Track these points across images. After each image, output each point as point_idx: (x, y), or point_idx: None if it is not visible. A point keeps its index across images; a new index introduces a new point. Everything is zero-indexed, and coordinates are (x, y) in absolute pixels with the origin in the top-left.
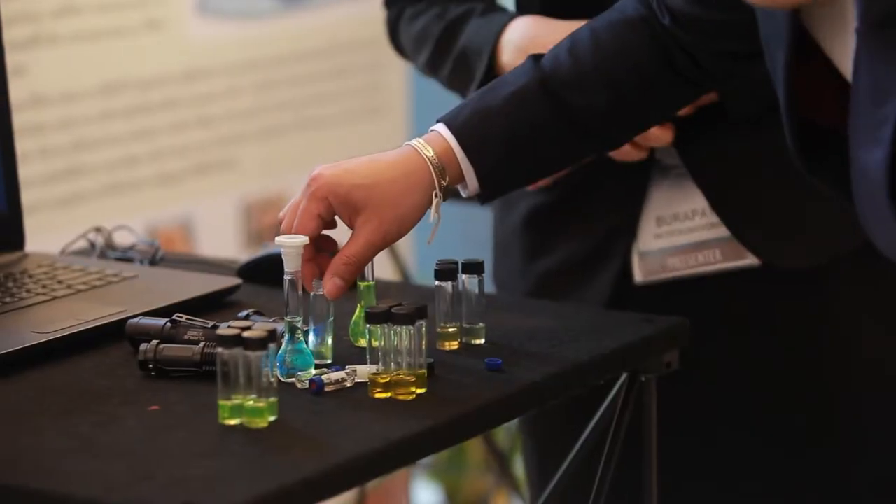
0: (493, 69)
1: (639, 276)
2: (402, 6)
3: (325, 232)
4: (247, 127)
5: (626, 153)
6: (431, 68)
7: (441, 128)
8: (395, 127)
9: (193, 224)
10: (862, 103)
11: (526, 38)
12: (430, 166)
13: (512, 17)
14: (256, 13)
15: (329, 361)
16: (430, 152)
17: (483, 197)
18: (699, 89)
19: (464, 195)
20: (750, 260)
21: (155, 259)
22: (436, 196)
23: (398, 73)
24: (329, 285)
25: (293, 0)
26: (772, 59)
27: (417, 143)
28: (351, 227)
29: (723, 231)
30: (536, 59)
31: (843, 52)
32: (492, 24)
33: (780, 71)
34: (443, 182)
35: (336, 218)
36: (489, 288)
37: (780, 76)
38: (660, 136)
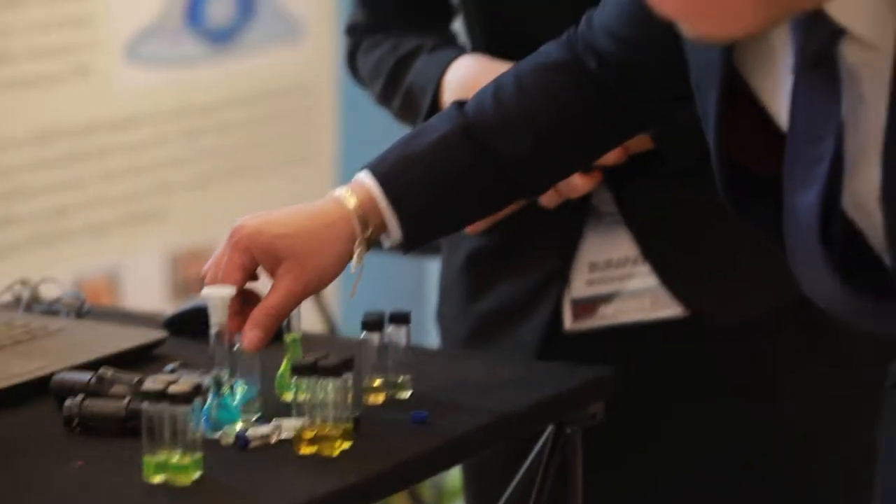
0: (436, 107)
1: (569, 322)
2: (360, 36)
3: (249, 286)
4: (176, 176)
5: (545, 197)
6: (383, 101)
7: (365, 175)
8: (324, 174)
9: (121, 276)
10: (797, 144)
11: (467, 78)
12: (353, 217)
13: (457, 55)
14: (185, 60)
15: (259, 415)
16: (352, 202)
17: (406, 246)
18: (624, 135)
19: (385, 246)
20: (680, 310)
21: (81, 312)
22: (357, 246)
23: (327, 120)
24: (249, 336)
25: (222, 47)
26: (702, 101)
27: (341, 192)
28: (273, 277)
29: (654, 280)
30: (460, 104)
31: (775, 93)
32: (437, 62)
33: (711, 112)
34: (365, 232)
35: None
36: (432, 329)
37: (710, 117)
38: (581, 185)
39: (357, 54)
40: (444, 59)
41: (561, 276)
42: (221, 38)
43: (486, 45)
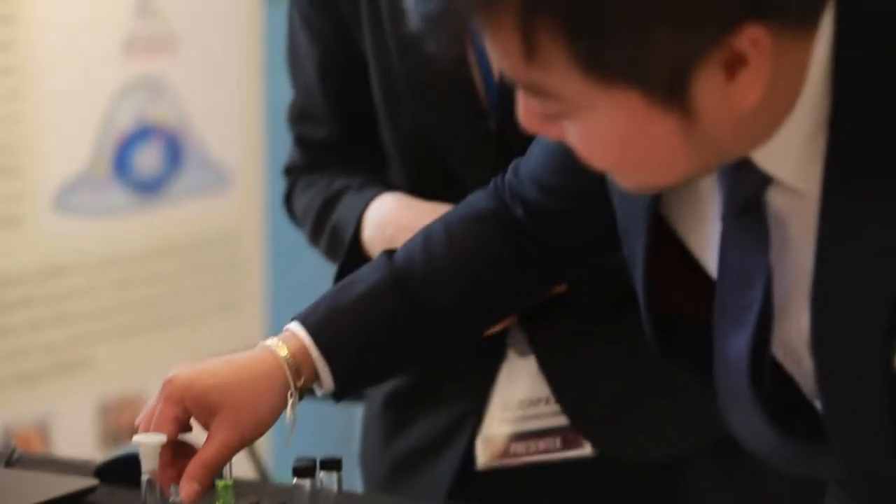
0: (358, 244)
1: (481, 460)
2: (297, 175)
3: (182, 437)
4: (105, 325)
5: None
6: (313, 241)
7: (296, 326)
8: (253, 323)
9: (51, 424)
10: (727, 290)
11: (385, 216)
12: (285, 367)
13: (378, 192)
14: (114, 210)
15: None
16: (284, 352)
17: (339, 395)
18: (552, 282)
19: (318, 394)
20: (591, 450)
21: (11, 460)
22: (291, 396)
23: (255, 269)
24: (186, 489)
25: (150, 196)
26: (630, 248)
27: (273, 343)
28: (207, 429)
29: (565, 419)
30: (389, 254)
31: (702, 240)
32: (360, 199)
33: (639, 259)
34: (298, 382)
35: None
36: (355, 468)
37: (638, 265)
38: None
39: (293, 194)
40: (367, 196)
41: (474, 414)
42: (149, 187)
43: (411, 185)
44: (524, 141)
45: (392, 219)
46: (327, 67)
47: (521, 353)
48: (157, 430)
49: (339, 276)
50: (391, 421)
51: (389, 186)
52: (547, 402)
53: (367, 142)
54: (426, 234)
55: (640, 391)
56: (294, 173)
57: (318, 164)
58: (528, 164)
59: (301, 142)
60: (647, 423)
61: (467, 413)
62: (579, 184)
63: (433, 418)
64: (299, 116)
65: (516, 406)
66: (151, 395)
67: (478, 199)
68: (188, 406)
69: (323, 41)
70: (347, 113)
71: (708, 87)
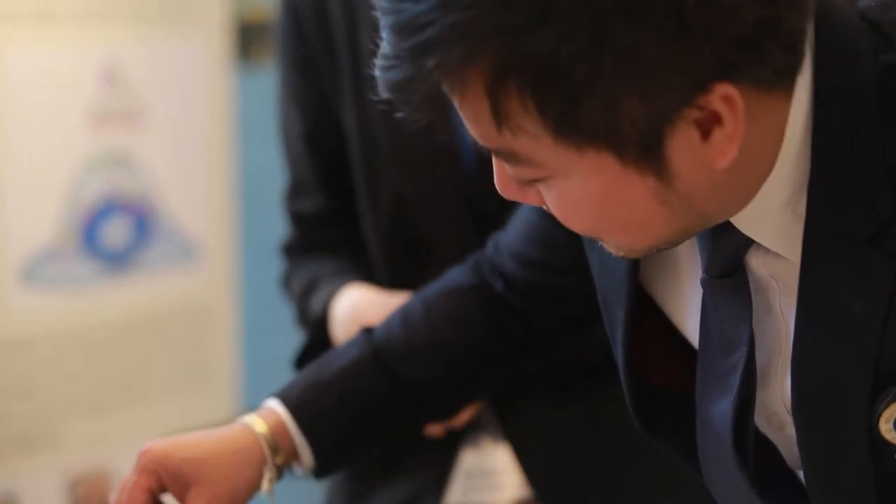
0: (324, 333)
1: None
2: (293, 255)
3: None
4: (72, 399)
5: (430, 428)
6: (301, 325)
7: (274, 403)
8: (222, 398)
9: (17, 499)
10: (709, 354)
11: (347, 309)
12: (263, 443)
13: (341, 285)
14: (81, 282)
15: None
16: (262, 429)
17: (319, 473)
18: (533, 354)
19: (298, 474)
20: None
21: None
22: (268, 471)
23: (225, 343)
24: None
25: (118, 269)
26: (610, 318)
27: (250, 419)
28: (182, 502)
29: (529, 490)
30: (368, 331)
31: (681, 306)
32: (326, 293)
33: (619, 329)
34: (276, 459)
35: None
36: None
37: (618, 335)
38: (465, 414)
39: (290, 277)
40: (333, 288)
41: (437, 485)
42: (118, 260)
43: (384, 247)
44: (497, 205)
45: (358, 311)
46: (313, 137)
47: (486, 423)
48: (131, 500)
49: (299, 363)
50: (355, 490)
51: (365, 267)
52: (511, 472)
53: (353, 214)
54: (405, 309)
55: (605, 463)
56: (291, 253)
57: (309, 242)
58: (507, 238)
59: (295, 218)
60: (613, 497)
61: (430, 483)
62: (558, 257)
63: (398, 486)
64: (293, 192)
65: (481, 475)
66: (119, 470)
67: (456, 275)
68: (163, 478)
69: (308, 111)
70: (334, 183)
71: (682, 146)
